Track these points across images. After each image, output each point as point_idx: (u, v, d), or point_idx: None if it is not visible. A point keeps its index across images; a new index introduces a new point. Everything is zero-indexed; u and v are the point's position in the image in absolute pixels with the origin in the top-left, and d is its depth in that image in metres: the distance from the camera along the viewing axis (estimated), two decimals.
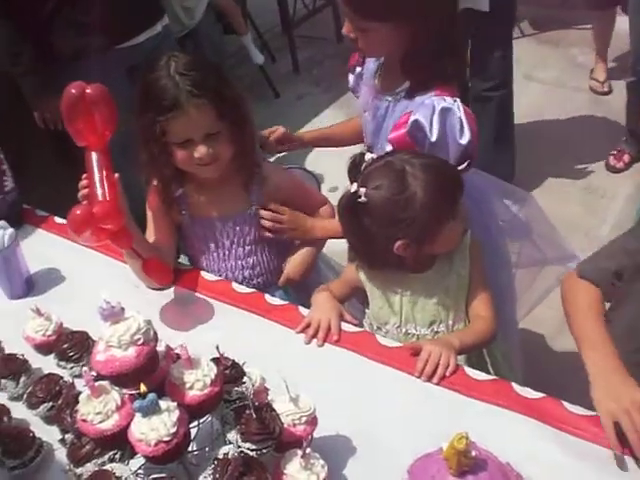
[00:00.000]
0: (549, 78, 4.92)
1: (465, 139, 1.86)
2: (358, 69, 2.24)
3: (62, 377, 1.77)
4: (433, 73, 1.92)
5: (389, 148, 1.92)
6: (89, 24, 3.05)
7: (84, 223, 1.72)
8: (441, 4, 1.89)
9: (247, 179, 2.07)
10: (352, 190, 1.79)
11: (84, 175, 1.85)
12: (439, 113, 1.85)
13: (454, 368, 1.67)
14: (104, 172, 1.83)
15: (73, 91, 1.80)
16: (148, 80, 1.93)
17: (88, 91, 1.79)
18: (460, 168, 1.87)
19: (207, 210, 2.10)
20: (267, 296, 2.00)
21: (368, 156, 1.86)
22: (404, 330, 1.94)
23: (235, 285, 2.05)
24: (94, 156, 1.83)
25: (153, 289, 2.07)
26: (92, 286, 2.04)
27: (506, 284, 2.29)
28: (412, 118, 1.86)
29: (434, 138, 1.85)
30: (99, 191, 1.79)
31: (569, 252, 2.31)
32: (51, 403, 1.70)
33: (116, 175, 1.84)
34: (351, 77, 2.30)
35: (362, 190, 1.77)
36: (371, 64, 2.15)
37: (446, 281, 1.90)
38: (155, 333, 1.39)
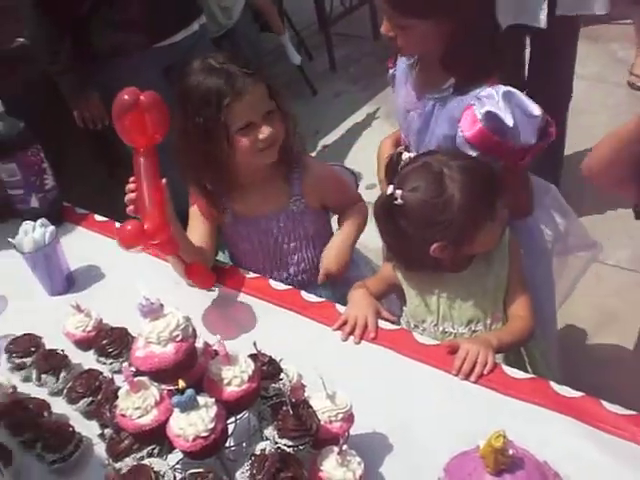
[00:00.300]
0: (590, 74, 4.87)
1: (537, 111, 1.86)
2: (391, 71, 2.24)
3: (102, 373, 1.78)
4: (476, 68, 1.92)
5: (461, 145, 1.92)
6: (126, 23, 3.10)
7: (135, 239, 1.74)
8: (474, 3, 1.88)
9: (288, 171, 2.07)
10: (388, 192, 1.79)
11: (131, 179, 1.85)
12: (503, 98, 1.85)
13: (492, 366, 1.66)
14: (152, 179, 1.83)
15: (126, 97, 1.79)
16: (192, 82, 1.92)
17: (142, 98, 1.79)
18: (543, 142, 1.89)
19: (251, 209, 2.11)
20: (304, 293, 2.00)
21: (405, 155, 1.86)
22: (441, 329, 1.94)
23: (272, 282, 2.06)
24: (142, 161, 1.83)
25: (192, 286, 2.08)
26: (131, 283, 2.05)
27: (545, 281, 2.27)
28: (482, 110, 1.85)
29: (511, 122, 1.84)
30: (147, 201, 1.79)
31: (591, 240, 2.32)
32: (91, 398, 1.72)
33: (163, 180, 1.84)
34: (389, 80, 2.29)
35: (398, 192, 1.77)
36: (402, 65, 2.14)
37: (484, 280, 1.89)
38: (194, 329, 1.40)
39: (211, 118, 1.89)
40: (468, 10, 1.85)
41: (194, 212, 2.14)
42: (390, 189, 1.79)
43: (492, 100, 1.86)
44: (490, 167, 1.83)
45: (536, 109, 1.86)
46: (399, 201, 1.76)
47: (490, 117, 1.85)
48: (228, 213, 2.13)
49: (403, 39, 1.94)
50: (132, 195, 1.84)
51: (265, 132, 1.92)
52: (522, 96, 1.88)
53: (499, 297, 1.90)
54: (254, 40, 4.59)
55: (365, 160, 3.72)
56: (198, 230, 2.11)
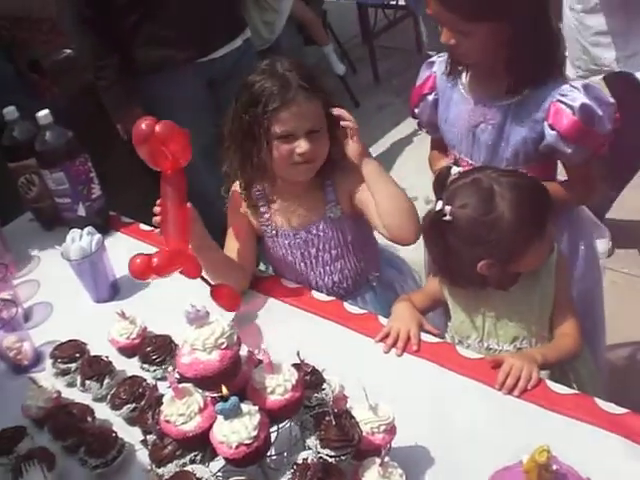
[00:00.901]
0: None
1: (611, 99, 1.94)
2: (430, 97, 2.21)
3: (145, 379, 1.79)
4: (541, 67, 1.94)
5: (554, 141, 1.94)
6: (169, 38, 3.13)
7: (142, 274, 1.84)
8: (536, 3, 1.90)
9: (325, 176, 2.06)
10: (437, 208, 1.78)
11: (158, 201, 1.90)
12: (584, 90, 1.90)
13: (535, 382, 1.64)
14: (175, 203, 1.87)
15: (143, 127, 1.81)
16: (253, 80, 1.93)
17: (157, 129, 1.81)
18: (614, 127, 1.94)
19: (290, 221, 2.10)
20: (346, 304, 2.00)
21: (454, 170, 1.86)
22: (486, 345, 1.93)
23: (315, 293, 2.06)
24: (166, 185, 1.88)
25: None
26: (175, 291, 2.09)
27: (596, 301, 2.26)
28: (575, 104, 1.89)
29: (601, 112, 1.89)
30: (170, 226, 1.87)
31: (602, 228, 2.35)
32: (134, 405, 1.73)
33: (189, 205, 1.88)
34: (421, 111, 2.27)
35: (447, 208, 1.76)
36: (443, 85, 2.15)
37: (530, 298, 1.87)
38: (238, 337, 1.41)
39: (256, 118, 1.90)
40: (528, 8, 1.86)
41: (231, 218, 2.16)
42: (439, 205, 1.78)
43: (579, 93, 1.89)
44: (541, 185, 1.82)
45: (610, 97, 1.95)
46: (448, 217, 1.75)
47: (584, 109, 1.88)
48: (268, 226, 2.13)
49: (466, 46, 1.93)
50: (157, 218, 1.92)
51: (303, 147, 1.91)
52: (597, 87, 1.95)
53: (545, 315, 1.88)
54: (298, 53, 4.62)
55: (408, 172, 3.75)
56: (237, 247, 2.11)
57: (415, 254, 2.24)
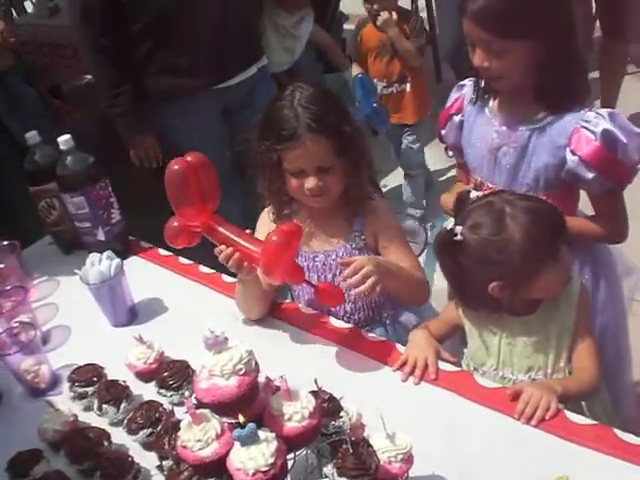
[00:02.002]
0: None
1: (638, 129, 1.92)
2: (457, 118, 2.23)
3: (162, 404, 1.79)
4: (570, 94, 1.95)
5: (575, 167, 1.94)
6: (182, 67, 3.15)
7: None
8: (565, 18, 1.92)
9: (354, 212, 2.08)
10: (449, 227, 1.79)
11: (217, 249, 1.93)
12: (609, 118, 1.91)
13: (554, 412, 1.63)
14: (239, 232, 1.94)
15: (176, 167, 1.86)
16: (272, 108, 1.98)
17: (189, 159, 1.86)
18: None
19: (311, 242, 2.11)
20: (364, 332, 1.99)
21: (473, 194, 1.86)
22: (500, 374, 1.91)
23: (332, 320, 2.06)
24: (219, 228, 1.94)
25: (253, 321, 2.10)
26: (193, 317, 2.11)
27: (620, 336, 2.25)
28: (597, 129, 1.90)
29: (625, 140, 1.89)
30: (251, 247, 1.90)
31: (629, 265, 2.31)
32: (150, 429, 1.73)
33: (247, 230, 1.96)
34: (447, 132, 2.30)
35: (459, 228, 1.77)
36: (469, 107, 2.16)
37: (549, 328, 1.85)
38: (256, 364, 1.41)
39: (268, 151, 1.94)
40: (559, 29, 1.88)
41: (258, 236, 2.16)
42: (451, 224, 1.79)
43: (602, 120, 1.90)
44: (557, 211, 1.82)
45: (636, 128, 1.92)
46: (458, 237, 1.77)
47: (606, 135, 1.89)
48: None
49: (497, 66, 1.95)
50: (229, 251, 1.90)
51: (310, 184, 1.94)
52: (623, 116, 1.94)
53: (563, 347, 1.86)
54: (316, 80, 4.62)
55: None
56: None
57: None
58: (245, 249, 1.90)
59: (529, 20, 1.86)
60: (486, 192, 1.98)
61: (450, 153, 2.38)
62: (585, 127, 1.92)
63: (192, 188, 1.87)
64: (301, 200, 2.04)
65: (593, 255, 2.16)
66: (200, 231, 1.97)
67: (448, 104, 2.27)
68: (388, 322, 2.17)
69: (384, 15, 3.71)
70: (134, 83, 3.24)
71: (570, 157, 1.94)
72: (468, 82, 2.20)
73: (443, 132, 2.32)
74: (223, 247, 1.91)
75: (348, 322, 2.09)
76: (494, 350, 1.90)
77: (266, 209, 2.17)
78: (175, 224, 1.96)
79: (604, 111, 1.94)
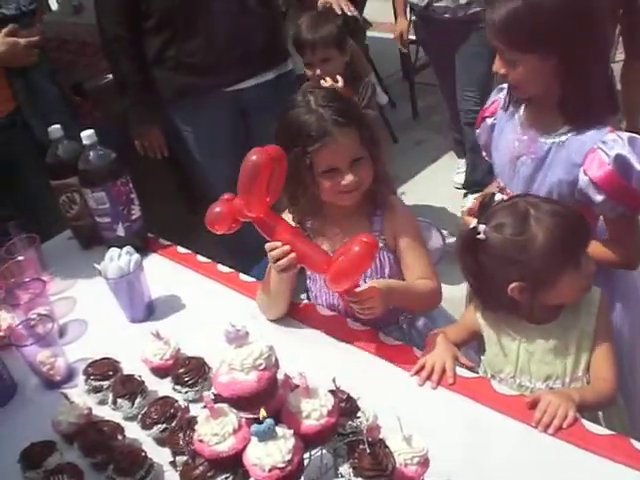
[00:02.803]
0: None
1: None
2: (489, 121, 2.25)
3: (177, 401, 1.79)
4: (593, 111, 1.93)
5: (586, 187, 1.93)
6: (194, 65, 3.16)
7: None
8: (587, 37, 1.89)
9: (374, 208, 2.08)
10: (472, 225, 1.79)
11: (274, 244, 1.90)
12: (629, 143, 1.88)
13: (572, 421, 1.62)
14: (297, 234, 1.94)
15: (254, 157, 1.82)
16: (289, 118, 1.98)
17: (270, 151, 1.84)
18: None
19: (330, 244, 2.10)
20: (382, 335, 1.99)
21: (498, 196, 1.86)
22: (518, 381, 1.90)
23: (349, 321, 2.05)
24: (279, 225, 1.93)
25: (270, 321, 2.10)
26: (210, 314, 2.12)
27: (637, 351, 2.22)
28: (612, 153, 1.87)
29: (639, 167, 1.86)
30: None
31: None
32: (164, 425, 1.73)
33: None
34: (480, 132, 2.31)
35: (482, 227, 1.77)
36: (502, 112, 2.16)
37: (568, 335, 1.84)
38: (276, 360, 1.41)
39: (298, 158, 1.93)
40: (577, 45, 1.86)
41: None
42: (474, 223, 1.79)
43: (619, 144, 1.87)
44: (582, 218, 1.81)
45: None
46: (481, 236, 1.77)
47: (619, 160, 1.86)
48: None
49: (513, 76, 1.96)
50: (286, 248, 1.89)
51: (348, 179, 1.95)
52: None
53: (582, 356, 1.85)
54: None
55: (440, 206, 3.71)
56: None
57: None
58: (307, 250, 1.90)
59: (537, 36, 1.86)
60: (504, 196, 1.98)
61: (484, 153, 2.38)
62: (601, 149, 1.89)
63: (263, 179, 1.83)
64: (332, 201, 2.03)
65: (610, 277, 2.12)
66: (241, 220, 1.95)
67: (486, 105, 2.30)
68: (405, 325, 2.16)
69: (327, 83, 3.00)
70: (146, 76, 3.29)
71: (582, 177, 1.93)
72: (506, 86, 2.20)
73: (477, 131, 2.35)
74: (279, 243, 1.89)
75: (365, 322, 2.08)
76: (512, 357, 1.88)
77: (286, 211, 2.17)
78: (217, 209, 1.94)
79: (625, 135, 1.91)
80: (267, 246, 1.92)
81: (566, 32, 1.85)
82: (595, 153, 1.90)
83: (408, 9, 3.97)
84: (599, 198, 1.91)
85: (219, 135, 3.32)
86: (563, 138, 1.98)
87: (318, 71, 3.04)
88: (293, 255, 1.88)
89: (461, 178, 4.57)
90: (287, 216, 2.11)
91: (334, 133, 1.91)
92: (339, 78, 3.02)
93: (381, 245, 2.06)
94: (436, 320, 2.26)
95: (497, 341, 1.91)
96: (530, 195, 1.87)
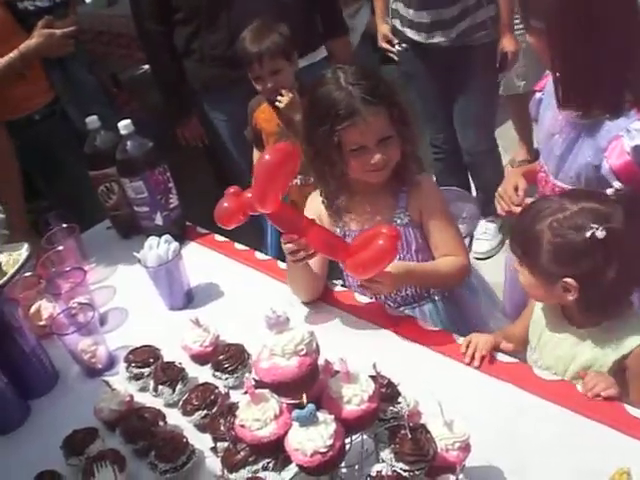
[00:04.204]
0: None
1: None
2: (538, 95, 2.23)
3: (217, 387, 1.81)
4: (623, 95, 1.91)
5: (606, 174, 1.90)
6: (219, 56, 3.21)
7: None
8: (610, 18, 1.85)
9: (401, 185, 2.08)
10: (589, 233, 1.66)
11: (292, 236, 1.91)
12: None
13: (616, 394, 1.61)
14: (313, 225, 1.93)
15: (271, 156, 1.82)
16: (318, 94, 1.98)
17: (290, 148, 1.84)
18: None
19: (357, 222, 2.12)
20: (420, 321, 1.99)
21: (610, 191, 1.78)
22: (533, 356, 1.91)
23: (388, 308, 2.05)
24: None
25: (308, 307, 2.11)
26: (248, 301, 2.13)
27: None
28: (632, 144, 1.84)
29: None
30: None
31: None
32: (205, 411, 1.74)
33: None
34: (531, 105, 2.29)
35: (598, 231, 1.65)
36: (549, 87, 2.13)
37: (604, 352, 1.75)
38: (317, 345, 1.41)
39: (326, 135, 1.94)
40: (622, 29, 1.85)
41: None
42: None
43: None
44: None
45: None
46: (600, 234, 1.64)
47: (638, 151, 1.84)
48: (339, 229, 2.14)
49: (535, 46, 1.98)
50: (302, 241, 1.90)
51: (376, 158, 1.95)
52: None
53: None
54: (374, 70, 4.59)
55: None
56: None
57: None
58: (324, 240, 1.91)
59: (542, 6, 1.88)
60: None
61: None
62: (625, 137, 1.86)
63: (279, 178, 1.82)
64: (361, 178, 2.04)
65: None
66: (248, 214, 1.96)
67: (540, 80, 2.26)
68: (437, 298, 2.17)
69: (287, 97, 2.82)
70: (178, 69, 3.36)
71: (604, 162, 1.91)
72: None
73: (530, 104, 2.32)
74: (295, 237, 1.89)
75: (395, 299, 2.11)
76: (538, 343, 1.88)
77: (314, 192, 2.18)
78: (225, 205, 1.96)
79: None
80: (283, 239, 1.93)
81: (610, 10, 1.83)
82: (618, 141, 1.87)
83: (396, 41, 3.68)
84: (617, 185, 1.89)
85: (238, 127, 3.33)
86: (595, 121, 1.95)
87: (269, 84, 2.86)
88: (310, 250, 1.89)
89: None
90: (316, 194, 2.14)
91: (362, 112, 1.90)
92: (284, 92, 2.82)
93: (407, 221, 2.08)
94: (474, 291, 2.26)
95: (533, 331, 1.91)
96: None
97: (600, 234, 1.61)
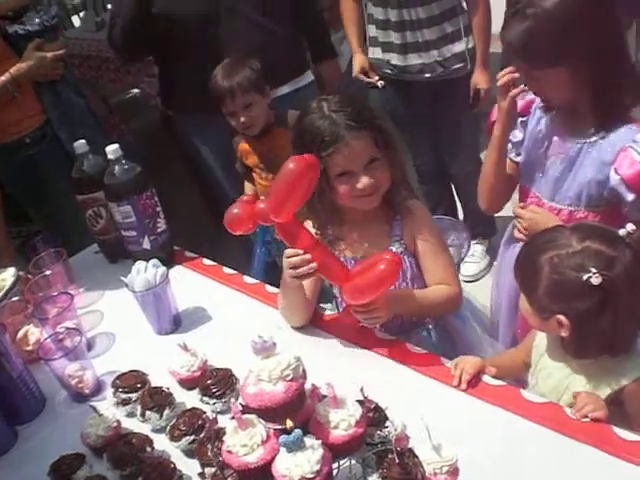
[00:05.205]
0: None
1: None
2: (523, 118, 2.23)
3: (205, 412, 1.80)
4: (620, 107, 1.95)
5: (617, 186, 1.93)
6: (201, 84, 3.07)
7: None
8: (605, 37, 1.90)
9: (393, 212, 2.09)
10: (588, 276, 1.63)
11: (296, 251, 1.90)
12: None
13: (603, 416, 1.61)
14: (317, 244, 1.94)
15: (296, 164, 1.80)
16: (303, 124, 2.00)
17: (312, 160, 1.83)
18: None
19: (351, 249, 2.12)
20: (409, 345, 1.98)
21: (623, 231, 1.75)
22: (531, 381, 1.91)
23: (377, 332, 2.05)
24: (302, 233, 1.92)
25: (297, 331, 2.10)
26: (236, 326, 2.12)
27: None
28: None
29: None
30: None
31: None
32: (193, 437, 1.73)
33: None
34: (516, 130, 2.27)
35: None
36: (538, 111, 2.15)
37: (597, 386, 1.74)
38: (304, 370, 1.41)
39: (317, 157, 1.91)
40: (596, 49, 1.87)
41: None
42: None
43: None
44: None
45: None
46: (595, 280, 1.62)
47: None
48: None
49: (542, 90, 1.99)
50: (307, 257, 1.88)
51: (363, 182, 1.95)
52: None
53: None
54: (359, 96, 4.60)
55: None
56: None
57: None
58: (326, 261, 1.90)
59: (557, 49, 1.87)
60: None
61: (513, 152, 2.31)
62: (633, 147, 1.90)
63: (300, 187, 1.81)
64: (351, 205, 2.04)
65: None
66: (258, 223, 1.96)
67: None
68: (431, 326, 2.16)
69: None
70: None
71: (613, 176, 1.93)
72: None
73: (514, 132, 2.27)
74: (300, 251, 1.89)
75: (390, 326, 2.09)
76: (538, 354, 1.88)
77: (306, 223, 2.17)
78: (235, 211, 1.96)
79: None
80: (287, 252, 1.92)
81: (585, 36, 1.86)
82: (627, 152, 1.90)
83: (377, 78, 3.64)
84: (629, 197, 1.91)
85: (221, 153, 3.37)
86: (593, 138, 1.99)
87: (242, 119, 2.89)
88: (313, 265, 1.88)
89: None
90: (307, 224, 2.12)
91: (346, 137, 1.91)
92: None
93: (402, 249, 2.07)
94: (466, 319, 2.26)
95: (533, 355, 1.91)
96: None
97: (595, 280, 1.59)
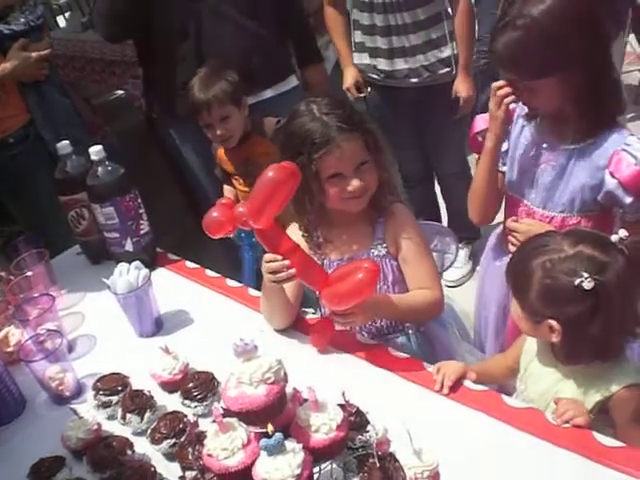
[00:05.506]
0: None
1: None
2: (505, 145, 2.22)
3: (186, 415, 1.79)
4: (606, 113, 1.96)
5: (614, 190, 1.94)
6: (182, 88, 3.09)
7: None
8: (595, 46, 1.90)
9: (377, 215, 2.09)
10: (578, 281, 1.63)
11: (274, 256, 1.90)
12: None
13: (584, 422, 1.61)
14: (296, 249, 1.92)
15: (272, 174, 1.79)
16: (293, 127, 2.00)
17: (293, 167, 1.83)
18: None
19: (335, 252, 2.12)
20: (390, 349, 1.98)
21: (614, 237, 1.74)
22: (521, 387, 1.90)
23: (359, 336, 2.05)
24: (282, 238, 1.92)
25: (279, 334, 2.10)
26: (219, 329, 2.12)
27: None
28: (638, 154, 1.89)
29: None
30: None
31: None
32: (174, 440, 1.73)
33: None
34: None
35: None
36: (520, 120, 2.15)
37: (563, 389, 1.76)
38: (285, 373, 1.40)
39: (305, 164, 1.93)
40: (588, 58, 1.88)
41: None
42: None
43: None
44: None
45: None
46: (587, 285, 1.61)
47: None
48: (319, 257, 2.12)
49: (535, 100, 2.00)
50: (286, 262, 1.88)
51: (354, 184, 1.96)
52: None
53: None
54: (344, 100, 4.60)
55: None
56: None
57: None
58: (305, 266, 1.90)
59: (543, 60, 1.88)
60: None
61: (500, 162, 2.29)
62: (626, 150, 1.91)
63: (281, 196, 1.80)
64: (339, 207, 2.04)
65: None
66: (237, 227, 1.96)
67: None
68: (411, 331, 2.16)
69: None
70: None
71: (609, 179, 1.94)
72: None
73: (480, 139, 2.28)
74: (279, 257, 1.88)
75: (370, 329, 2.10)
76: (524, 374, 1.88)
77: (292, 225, 2.17)
78: (214, 214, 1.95)
79: None
80: (266, 257, 1.92)
81: (575, 45, 1.87)
82: (620, 155, 1.92)
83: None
84: (627, 200, 1.93)
85: (204, 158, 3.36)
86: (583, 144, 2.00)
87: (218, 131, 2.88)
88: (292, 271, 1.87)
89: None
90: (294, 226, 2.12)
91: (338, 139, 1.92)
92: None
93: (384, 252, 2.07)
94: (447, 326, 2.26)
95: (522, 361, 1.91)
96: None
97: (587, 285, 1.59)
